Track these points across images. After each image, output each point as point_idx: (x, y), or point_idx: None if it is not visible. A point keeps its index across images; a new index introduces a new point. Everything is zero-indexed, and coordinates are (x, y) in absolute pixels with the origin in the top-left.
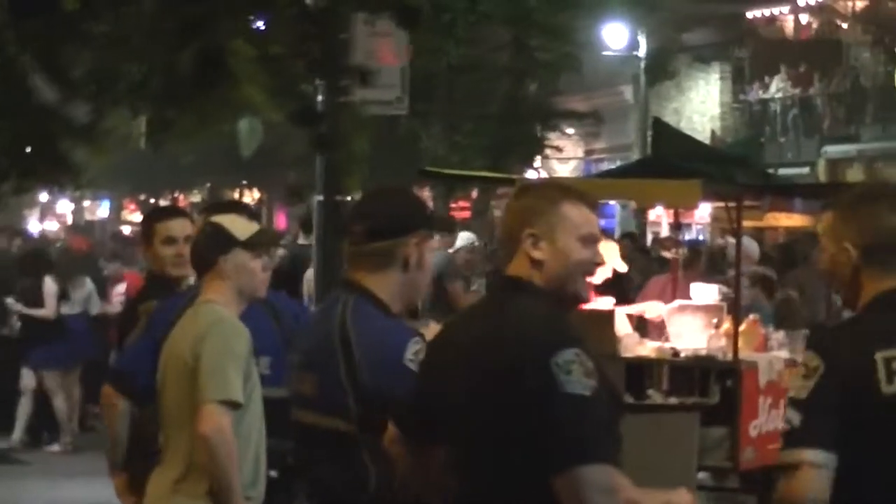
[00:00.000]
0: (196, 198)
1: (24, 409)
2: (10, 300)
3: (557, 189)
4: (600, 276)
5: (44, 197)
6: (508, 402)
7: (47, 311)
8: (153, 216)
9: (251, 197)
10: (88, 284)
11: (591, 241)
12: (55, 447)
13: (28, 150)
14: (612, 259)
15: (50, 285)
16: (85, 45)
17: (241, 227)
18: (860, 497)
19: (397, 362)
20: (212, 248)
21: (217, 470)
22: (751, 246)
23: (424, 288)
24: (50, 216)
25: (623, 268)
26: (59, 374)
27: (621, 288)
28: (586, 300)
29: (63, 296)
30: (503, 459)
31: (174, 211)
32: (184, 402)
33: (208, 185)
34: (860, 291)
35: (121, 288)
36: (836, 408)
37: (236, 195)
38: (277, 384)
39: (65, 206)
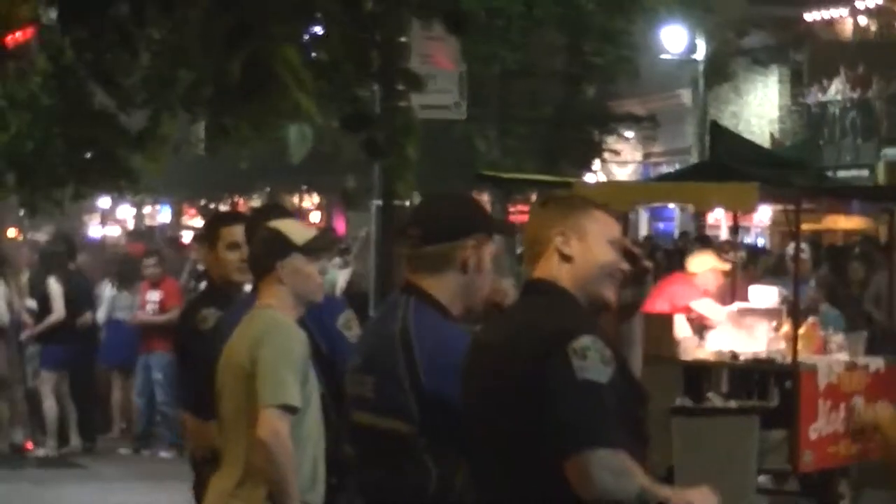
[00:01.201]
0: (256, 202)
1: (50, 413)
2: (29, 301)
3: (583, 198)
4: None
5: (105, 203)
6: (527, 390)
7: (56, 314)
8: (218, 220)
9: (310, 201)
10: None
11: (618, 246)
12: (40, 452)
13: (86, 156)
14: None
15: (55, 287)
16: (135, 52)
17: (298, 231)
18: None
19: (457, 364)
20: (269, 253)
21: (275, 475)
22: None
23: (485, 291)
24: (111, 222)
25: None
26: (57, 376)
27: None
28: (612, 305)
29: (72, 299)
30: (524, 453)
31: (239, 216)
32: (241, 408)
33: (267, 189)
34: None
35: (154, 296)
36: None
37: (295, 200)
38: None
39: (125, 212)
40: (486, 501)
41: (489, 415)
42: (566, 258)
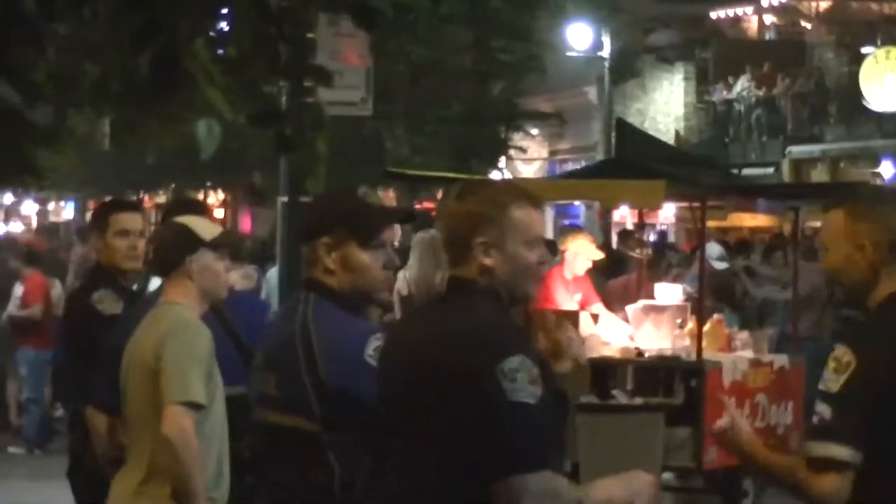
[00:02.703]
0: (161, 199)
1: None
2: None
3: (505, 193)
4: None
5: (8, 199)
6: (454, 404)
7: None
8: (107, 208)
9: (216, 198)
10: (57, 286)
11: (537, 243)
12: None
13: None
14: (588, 251)
15: None
16: (43, 47)
17: (205, 227)
18: (885, 494)
19: (357, 359)
20: (178, 248)
21: (180, 471)
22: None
23: (370, 287)
24: (15, 218)
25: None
26: None
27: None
28: (534, 298)
29: None
30: (446, 460)
31: (128, 204)
32: (146, 404)
33: (173, 185)
34: (874, 289)
35: (17, 290)
36: (867, 404)
37: (200, 196)
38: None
39: (30, 208)
40: (409, 495)
41: (411, 416)
42: (488, 268)
